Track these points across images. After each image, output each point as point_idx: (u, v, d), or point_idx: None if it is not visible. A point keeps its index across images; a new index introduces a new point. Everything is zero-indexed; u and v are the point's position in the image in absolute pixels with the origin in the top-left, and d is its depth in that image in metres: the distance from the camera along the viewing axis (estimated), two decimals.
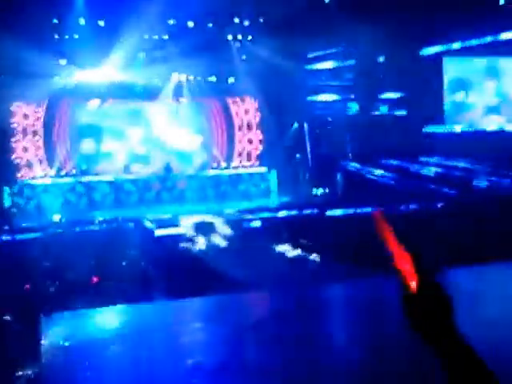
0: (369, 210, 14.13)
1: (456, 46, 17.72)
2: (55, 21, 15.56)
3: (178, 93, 17.68)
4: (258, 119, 18.58)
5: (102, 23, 15.95)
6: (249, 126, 18.68)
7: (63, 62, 16.23)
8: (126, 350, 6.56)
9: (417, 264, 1.25)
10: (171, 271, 9.38)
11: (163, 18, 16.42)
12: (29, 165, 16.46)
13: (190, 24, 16.64)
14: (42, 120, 16.73)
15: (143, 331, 7.23)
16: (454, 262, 9.23)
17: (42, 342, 6.56)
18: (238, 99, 18.53)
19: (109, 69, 16.44)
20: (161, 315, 7.97)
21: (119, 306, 8.02)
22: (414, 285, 1.23)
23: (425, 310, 1.21)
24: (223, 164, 18.22)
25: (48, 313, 7.30)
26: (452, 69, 18.74)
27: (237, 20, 17.09)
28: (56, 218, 14.16)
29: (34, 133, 16.67)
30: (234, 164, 18.35)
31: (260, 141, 18.58)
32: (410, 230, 11.54)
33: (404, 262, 1.26)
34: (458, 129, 18.44)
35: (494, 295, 7.62)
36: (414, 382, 5.19)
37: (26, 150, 16.49)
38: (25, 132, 16.52)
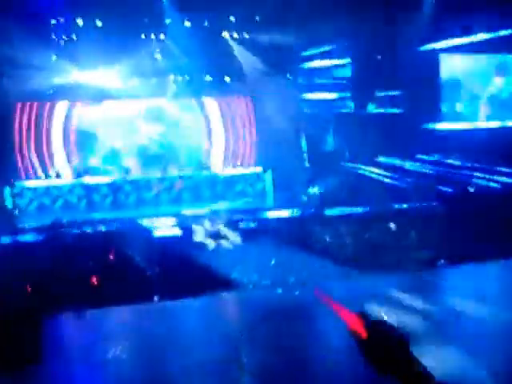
0: (366, 209, 14.22)
1: (454, 42, 17.74)
2: (53, 22, 15.58)
3: (176, 93, 17.71)
4: (253, 118, 18.59)
5: (99, 23, 16.00)
6: (244, 126, 18.69)
7: (63, 61, 16.28)
8: (128, 351, 6.63)
9: (363, 318, 1.36)
10: (171, 272, 9.43)
11: (160, 16, 16.49)
12: (30, 166, 16.51)
13: (187, 23, 16.69)
14: (43, 121, 16.78)
15: (145, 332, 7.30)
16: (452, 260, 9.32)
17: (44, 343, 6.62)
18: (233, 98, 18.53)
19: (109, 69, 16.50)
20: (162, 315, 8.03)
21: (121, 307, 8.08)
22: (362, 331, 1.35)
23: (378, 350, 1.32)
24: (220, 164, 18.26)
25: (50, 314, 7.36)
26: (450, 65, 18.77)
27: (232, 18, 17.13)
28: (57, 219, 14.21)
29: (35, 134, 16.71)
30: (230, 164, 18.38)
31: (256, 140, 18.60)
32: (408, 228, 11.64)
33: (352, 318, 1.38)
34: (456, 126, 18.48)
35: (491, 294, 7.70)
36: None
37: (26, 151, 16.53)
38: (26, 133, 16.56)
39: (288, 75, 17.76)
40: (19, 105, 16.36)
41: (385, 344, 1.31)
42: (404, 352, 1.31)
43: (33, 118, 16.67)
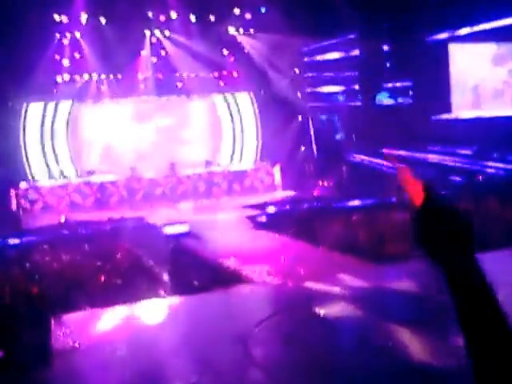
0: (375, 201, 14.09)
1: (462, 32, 17.54)
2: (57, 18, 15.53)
3: (182, 90, 17.66)
4: (262, 114, 18.52)
5: (103, 20, 15.95)
6: (252, 121, 18.63)
7: (66, 61, 16.26)
8: (135, 350, 6.56)
9: (427, 188, 1.16)
10: (180, 268, 9.37)
11: (165, 13, 16.44)
12: (35, 166, 16.51)
13: (192, 18, 16.61)
14: (47, 121, 16.77)
15: (153, 330, 7.24)
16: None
17: (52, 343, 6.56)
18: (239, 93, 18.47)
19: (113, 68, 16.48)
20: (168, 313, 7.96)
21: (128, 306, 8.01)
22: (419, 201, 1.15)
23: (433, 223, 1.10)
24: (228, 160, 18.21)
25: (57, 314, 7.31)
26: (458, 56, 18.56)
27: (237, 12, 17.05)
28: (62, 218, 14.18)
29: (40, 134, 16.71)
30: (239, 160, 18.33)
31: (263, 135, 18.53)
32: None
33: (413, 187, 1.17)
34: (465, 116, 18.29)
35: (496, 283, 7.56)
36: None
37: (31, 151, 16.53)
38: (30, 133, 16.55)
39: (295, 69, 17.65)
40: (23, 105, 16.35)
41: (441, 216, 1.09)
42: (462, 233, 1.09)
43: (36, 117, 16.66)
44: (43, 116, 16.75)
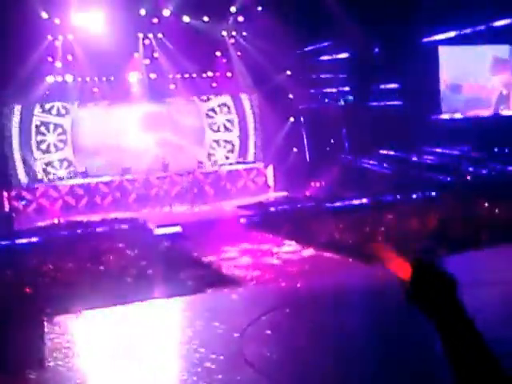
0: (366, 201, 14.20)
1: (452, 34, 17.69)
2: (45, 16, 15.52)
3: (175, 91, 17.68)
4: (253, 114, 18.59)
5: (96, 24, 15.94)
6: (245, 122, 18.69)
7: (58, 63, 16.26)
8: (128, 350, 6.62)
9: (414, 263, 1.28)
10: (172, 269, 9.41)
11: (158, 16, 16.47)
12: (28, 168, 16.50)
13: (186, 19, 16.64)
14: (40, 122, 16.77)
15: (145, 330, 7.29)
16: (451, 248, 9.30)
17: (45, 344, 6.61)
18: (233, 95, 18.53)
19: (106, 70, 16.49)
20: (161, 313, 8.02)
21: (120, 307, 8.06)
22: (408, 273, 1.26)
23: (424, 288, 1.23)
24: (221, 160, 18.26)
25: (50, 315, 7.35)
26: (448, 57, 18.71)
27: (231, 15, 17.11)
28: (55, 220, 14.21)
29: (32, 136, 16.70)
30: (231, 160, 18.39)
31: (256, 136, 18.60)
32: (408, 218, 11.61)
33: (398, 264, 1.29)
34: (454, 116, 18.44)
35: (487, 281, 7.68)
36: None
37: (24, 153, 16.52)
38: (23, 135, 16.54)
39: (288, 72, 17.73)
40: (14, 107, 16.34)
41: (430, 287, 1.22)
42: (449, 296, 1.22)
43: (30, 120, 16.66)
44: (35, 118, 16.74)
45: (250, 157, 18.58)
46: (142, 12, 16.12)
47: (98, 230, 12.86)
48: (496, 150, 17.05)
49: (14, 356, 6.11)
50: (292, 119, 18.25)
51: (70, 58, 16.17)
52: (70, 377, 6.01)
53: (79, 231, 12.68)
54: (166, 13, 16.37)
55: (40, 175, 16.58)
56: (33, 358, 6.21)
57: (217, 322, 7.13)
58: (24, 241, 12.03)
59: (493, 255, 9.02)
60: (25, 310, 7.05)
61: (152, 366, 6.11)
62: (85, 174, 16.56)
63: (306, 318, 7.19)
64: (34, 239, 12.09)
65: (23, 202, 15.52)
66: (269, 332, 6.89)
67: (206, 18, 16.69)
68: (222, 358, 6.07)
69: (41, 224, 13.84)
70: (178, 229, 12.86)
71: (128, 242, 11.15)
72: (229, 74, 17.99)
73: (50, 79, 16.28)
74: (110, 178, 16.57)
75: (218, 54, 17.73)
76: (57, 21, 15.58)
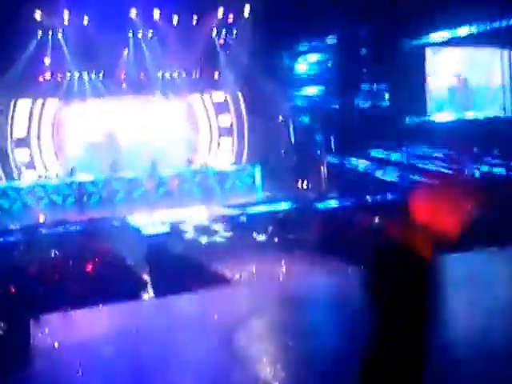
0: (353, 201, 14.25)
1: (439, 36, 17.81)
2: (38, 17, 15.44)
3: (163, 89, 17.65)
4: (241, 115, 18.59)
5: (85, 20, 15.88)
6: (232, 122, 18.68)
7: (47, 60, 16.17)
8: (115, 351, 6.57)
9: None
10: (159, 269, 9.39)
11: (147, 14, 16.45)
12: (13, 166, 16.37)
13: (175, 19, 16.64)
14: (26, 120, 16.64)
15: (133, 331, 7.24)
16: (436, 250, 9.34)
17: (31, 344, 6.54)
18: (221, 95, 18.52)
19: (98, 67, 16.44)
20: (150, 313, 7.99)
21: (108, 306, 8.01)
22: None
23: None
24: (207, 161, 18.22)
25: (36, 315, 7.28)
26: (434, 59, 18.83)
27: (220, 14, 17.15)
28: (41, 218, 14.09)
29: (19, 133, 16.57)
30: (218, 160, 18.35)
31: (243, 136, 18.59)
32: (394, 220, 11.65)
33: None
34: (440, 118, 18.57)
35: (478, 282, 7.74)
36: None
37: (10, 151, 16.39)
38: (9, 133, 16.41)
39: (275, 72, 17.75)
40: (4, 104, 16.21)
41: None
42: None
43: (16, 116, 16.52)
44: (23, 115, 16.61)
45: (237, 157, 18.57)
46: (133, 11, 16.11)
47: (85, 228, 12.78)
48: (485, 151, 17.19)
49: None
50: (280, 119, 18.28)
51: (59, 54, 16.08)
52: (56, 377, 5.95)
53: (65, 230, 12.59)
54: (156, 13, 16.38)
55: (25, 173, 16.43)
56: (17, 357, 6.14)
57: (206, 323, 7.12)
58: (8, 239, 11.93)
59: (477, 258, 9.10)
60: (9, 308, 6.98)
61: (139, 367, 6.08)
62: (72, 171, 16.42)
63: (297, 319, 7.19)
64: (19, 237, 11.97)
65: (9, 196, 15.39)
66: (259, 332, 6.89)
67: (195, 17, 16.70)
68: (211, 359, 6.06)
69: (26, 222, 13.71)
70: (165, 228, 12.82)
71: (115, 241, 11.09)
72: (216, 74, 17.98)
73: (38, 76, 16.18)
74: (97, 177, 16.45)
75: (207, 53, 17.73)
76: (46, 17, 15.50)
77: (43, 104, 16.78)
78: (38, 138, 16.78)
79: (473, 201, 1.42)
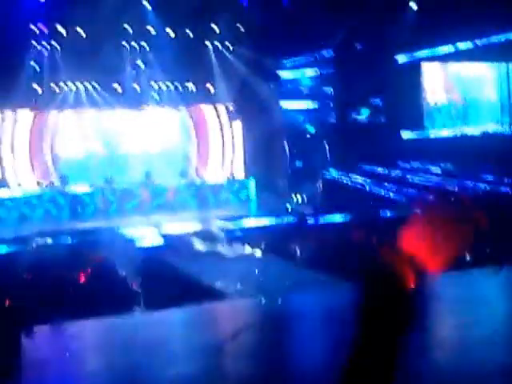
0: (348, 217, 14.27)
1: (435, 51, 17.95)
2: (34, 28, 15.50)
3: (157, 100, 17.68)
4: (236, 127, 18.62)
5: (81, 31, 15.96)
6: (227, 135, 18.70)
7: (43, 71, 16.20)
8: (106, 364, 6.55)
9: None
10: (152, 282, 9.36)
11: (142, 26, 16.53)
12: (9, 176, 16.33)
13: (169, 31, 16.73)
14: (21, 129, 16.63)
15: (123, 344, 7.22)
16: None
17: (23, 357, 6.50)
18: (216, 107, 18.55)
19: (90, 77, 16.47)
20: (141, 327, 7.96)
21: (100, 319, 7.98)
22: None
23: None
24: (203, 173, 18.21)
25: (28, 327, 7.24)
26: (431, 74, 18.98)
27: (215, 27, 17.25)
28: (37, 229, 14.03)
29: (14, 142, 16.55)
30: (213, 173, 18.35)
31: (238, 149, 18.60)
32: (390, 236, 11.67)
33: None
34: (437, 134, 18.67)
35: (467, 301, 7.75)
36: None
37: (5, 160, 16.36)
38: (4, 142, 16.39)
39: (270, 85, 17.83)
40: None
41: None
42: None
43: (11, 126, 16.51)
44: (18, 125, 16.59)
45: (233, 169, 18.56)
46: (127, 24, 16.21)
47: (79, 240, 12.75)
48: (479, 168, 17.23)
49: None
50: (275, 133, 18.31)
51: (53, 64, 16.13)
52: None
53: (60, 241, 12.55)
54: (150, 27, 16.49)
55: (21, 183, 16.40)
56: (9, 370, 6.10)
57: (196, 337, 7.10)
58: (4, 250, 11.88)
59: (476, 276, 9.10)
60: (2, 321, 6.93)
61: (128, 379, 6.05)
62: (66, 183, 16.39)
63: (287, 334, 7.18)
64: (13, 248, 11.93)
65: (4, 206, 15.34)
66: (249, 348, 6.87)
67: (188, 31, 16.83)
68: (200, 373, 6.04)
69: (21, 233, 13.66)
70: (159, 240, 12.80)
71: (109, 253, 11.05)
72: (211, 85, 18.02)
73: (34, 86, 16.19)
74: (92, 188, 16.43)
75: (202, 64, 17.80)
76: (41, 28, 15.57)
77: (36, 115, 16.74)
78: (31, 148, 16.72)
79: (471, 224, 1.43)
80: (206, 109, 18.55)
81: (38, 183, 16.47)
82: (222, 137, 18.67)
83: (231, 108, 18.47)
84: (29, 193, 15.98)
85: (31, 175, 16.63)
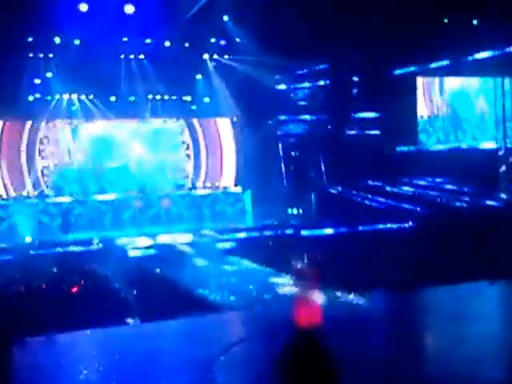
0: (344, 229, 14.29)
1: (429, 65, 18.09)
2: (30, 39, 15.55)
3: (154, 113, 17.72)
4: (232, 139, 18.66)
5: (77, 42, 16.00)
6: (224, 146, 18.74)
7: (38, 81, 16.22)
8: (98, 375, 6.50)
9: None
10: (145, 293, 9.33)
11: (140, 37, 16.59)
12: (1, 185, 16.29)
13: (167, 43, 16.80)
14: (14, 139, 16.62)
15: (116, 355, 7.16)
16: (424, 281, 9.35)
17: (13, 367, 6.44)
18: (213, 119, 18.62)
19: (85, 89, 16.49)
20: (134, 338, 7.90)
21: (92, 330, 7.93)
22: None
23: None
24: (199, 184, 18.23)
25: (19, 338, 7.18)
26: (426, 88, 19.09)
27: (213, 40, 17.36)
28: (28, 239, 13.98)
29: (6, 152, 16.53)
30: (208, 184, 18.36)
31: (235, 161, 18.64)
32: (382, 248, 11.68)
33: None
34: (431, 147, 18.75)
35: (462, 315, 7.73)
36: None
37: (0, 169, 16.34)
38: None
39: (267, 96, 17.91)
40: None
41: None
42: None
43: (5, 136, 16.49)
44: (12, 134, 16.58)
45: (229, 181, 18.59)
46: (125, 37, 16.28)
47: (71, 250, 12.71)
48: (472, 182, 17.32)
49: None
50: (271, 145, 18.37)
51: (50, 75, 16.15)
52: None
53: (52, 251, 12.50)
54: (148, 39, 16.57)
55: (15, 192, 16.36)
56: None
57: (189, 349, 7.05)
58: None
59: (469, 290, 9.08)
60: None
61: None
62: (59, 193, 16.36)
63: (281, 346, 7.13)
64: (6, 258, 11.88)
65: None
66: (242, 360, 6.83)
67: (186, 44, 16.91)
68: None
69: (13, 243, 13.61)
70: (152, 251, 12.78)
71: (101, 263, 11.03)
72: (208, 98, 18.09)
73: (29, 97, 16.20)
74: (85, 198, 16.40)
75: (199, 77, 17.88)
76: (38, 39, 15.61)
77: (31, 125, 16.74)
78: (24, 158, 16.69)
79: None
80: (203, 121, 18.61)
81: (32, 193, 16.43)
82: (220, 149, 18.71)
83: (228, 121, 18.55)
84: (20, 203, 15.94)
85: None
